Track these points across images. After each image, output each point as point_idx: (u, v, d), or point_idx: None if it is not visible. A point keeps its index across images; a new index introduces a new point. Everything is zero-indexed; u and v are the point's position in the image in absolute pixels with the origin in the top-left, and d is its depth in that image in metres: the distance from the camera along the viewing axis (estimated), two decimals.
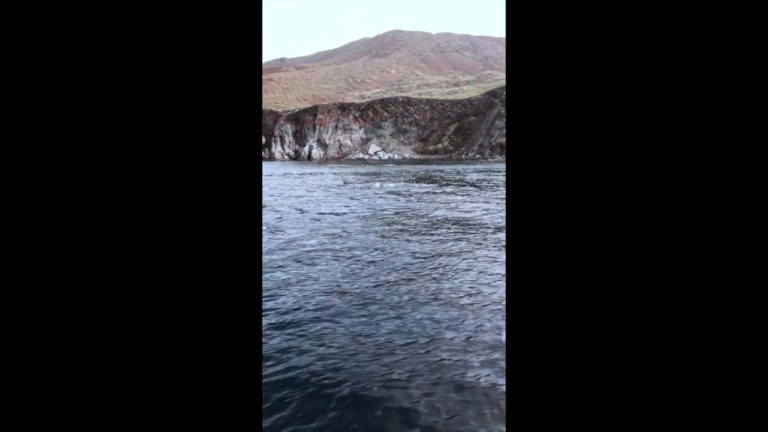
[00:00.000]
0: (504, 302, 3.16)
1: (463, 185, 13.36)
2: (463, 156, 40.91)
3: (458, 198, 10.16)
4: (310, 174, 20.21)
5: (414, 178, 16.71)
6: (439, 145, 43.69)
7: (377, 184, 13.92)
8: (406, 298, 3.40)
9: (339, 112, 46.34)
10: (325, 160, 42.02)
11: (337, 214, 7.74)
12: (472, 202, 9.25)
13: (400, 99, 46.95)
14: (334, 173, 20.80)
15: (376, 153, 44.11)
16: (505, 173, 18.78)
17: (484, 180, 15.41)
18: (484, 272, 4.08)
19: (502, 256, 4.65)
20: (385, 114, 45.64)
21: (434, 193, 11.38)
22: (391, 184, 13.95)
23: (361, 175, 19.40)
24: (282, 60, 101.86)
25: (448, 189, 12.29)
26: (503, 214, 7.41)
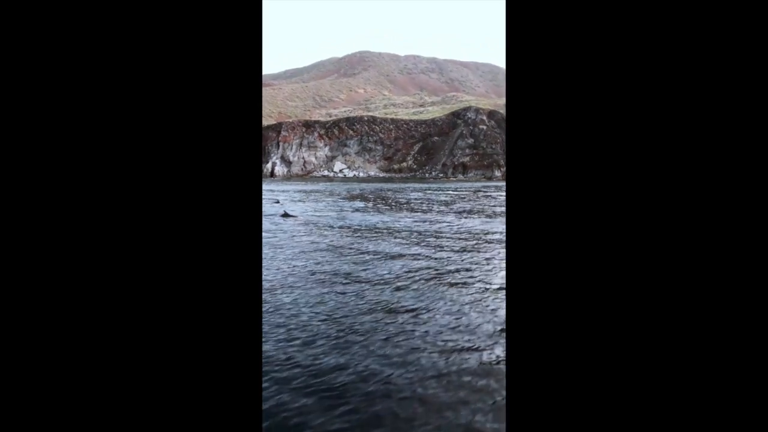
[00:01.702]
0: None
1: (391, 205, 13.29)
2: (427, 175, 41.39)
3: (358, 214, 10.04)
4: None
5: (349, 197, 16.56)
6: (404, 164, 44.11)
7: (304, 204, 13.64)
8: None
9: (304, 130, 46.10)
10: (288, 177, 41.46)
11: None
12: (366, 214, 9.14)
13: (366, 118, 47.31)
14: (279, 191, 20.38)
15: (341, 171, 43.99)
16: (445, 192, 18.95)
17: (418, 199, 15.43)
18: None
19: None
20: (351, 132, 45.79)
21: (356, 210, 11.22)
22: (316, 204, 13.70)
23: (306, 192, 19.11)
24: None
25: (358, 205, 12.17)
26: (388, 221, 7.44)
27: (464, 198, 15.84)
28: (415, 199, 15.46)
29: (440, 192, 19.35)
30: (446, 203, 13.63)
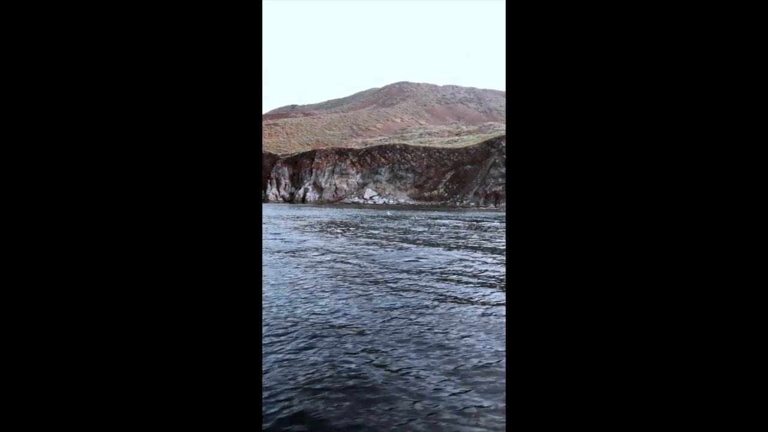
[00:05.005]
0: None
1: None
2: (458, 203, 40.53)
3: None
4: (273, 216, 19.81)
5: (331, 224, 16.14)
6: (435, 192, 43.58)
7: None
8: None
9: (337, 157, 47.00)
10: (319, 203, 42.06)
11: None
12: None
13: (398, 146, 47.59)
14: (293, 216, 20.43)
15: (371, 198, 44.12)
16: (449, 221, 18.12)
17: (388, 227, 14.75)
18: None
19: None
20: (383, 160, 46.14)
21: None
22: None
23: (299, 216, 18.99)
24: (293, 107, 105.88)
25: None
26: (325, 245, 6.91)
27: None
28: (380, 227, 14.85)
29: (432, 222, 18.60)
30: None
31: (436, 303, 4.41)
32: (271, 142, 57.59)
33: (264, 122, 68.67)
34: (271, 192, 47.04)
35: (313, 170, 46.78)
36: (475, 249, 8.93)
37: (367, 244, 9.73)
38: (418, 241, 10.22)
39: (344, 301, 4.42)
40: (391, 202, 43.05)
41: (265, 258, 7.27)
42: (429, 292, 4.86)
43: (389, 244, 9.58)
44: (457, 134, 63.48)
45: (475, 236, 11.71)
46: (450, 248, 8.99)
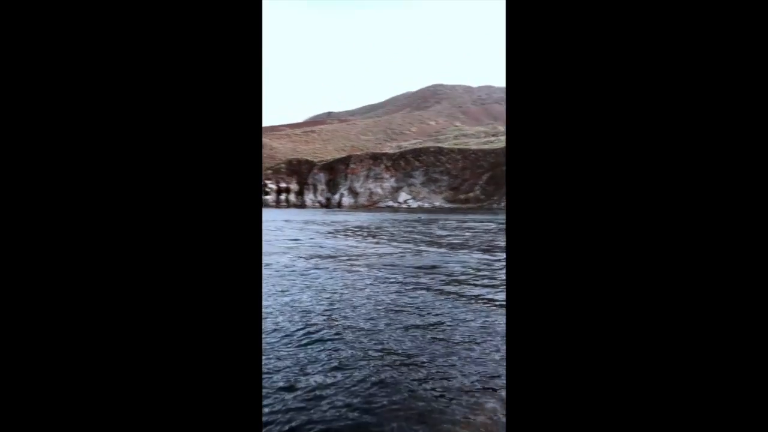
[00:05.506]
0: None
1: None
2: (494, 205, 39.58)
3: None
4: (301, 221, 20.14)
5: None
6: (471, 194, 42.81)
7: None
8: None
9: (371, 162, 47.35)
10: (355, 208, 42.46)
11: None
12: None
13: (432, 149, 47.27)
14: (320, 220, 20.64)
15: (405, 201, 44.04)
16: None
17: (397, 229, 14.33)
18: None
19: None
20: (417, 163, 45.97)
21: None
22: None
23: (326, 223, 19.04)
24: (329, 114, 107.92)
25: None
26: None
27: None
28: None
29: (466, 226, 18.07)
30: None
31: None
32: (308, 149, 58.91)
33: (301, 129, 70.40)
34: (308, 198, 48.05)
35: (348, 175, 47.36)
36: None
37: (391, 248, 9.64)
38: (443, 245, 10.01)
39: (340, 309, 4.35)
40: (426, 205, 42.74)
41: (279, 262, 7.34)
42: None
43: (414, 249, 9.45)
44: (493, 135, 62.19)
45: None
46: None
